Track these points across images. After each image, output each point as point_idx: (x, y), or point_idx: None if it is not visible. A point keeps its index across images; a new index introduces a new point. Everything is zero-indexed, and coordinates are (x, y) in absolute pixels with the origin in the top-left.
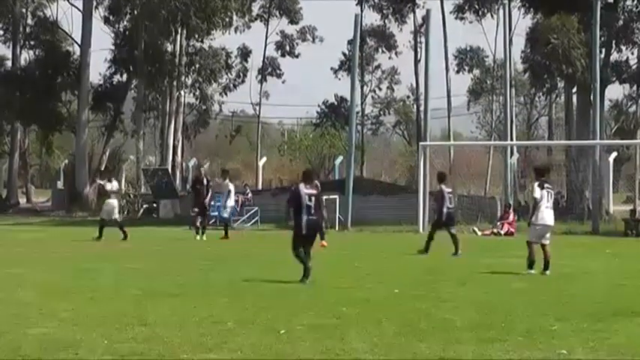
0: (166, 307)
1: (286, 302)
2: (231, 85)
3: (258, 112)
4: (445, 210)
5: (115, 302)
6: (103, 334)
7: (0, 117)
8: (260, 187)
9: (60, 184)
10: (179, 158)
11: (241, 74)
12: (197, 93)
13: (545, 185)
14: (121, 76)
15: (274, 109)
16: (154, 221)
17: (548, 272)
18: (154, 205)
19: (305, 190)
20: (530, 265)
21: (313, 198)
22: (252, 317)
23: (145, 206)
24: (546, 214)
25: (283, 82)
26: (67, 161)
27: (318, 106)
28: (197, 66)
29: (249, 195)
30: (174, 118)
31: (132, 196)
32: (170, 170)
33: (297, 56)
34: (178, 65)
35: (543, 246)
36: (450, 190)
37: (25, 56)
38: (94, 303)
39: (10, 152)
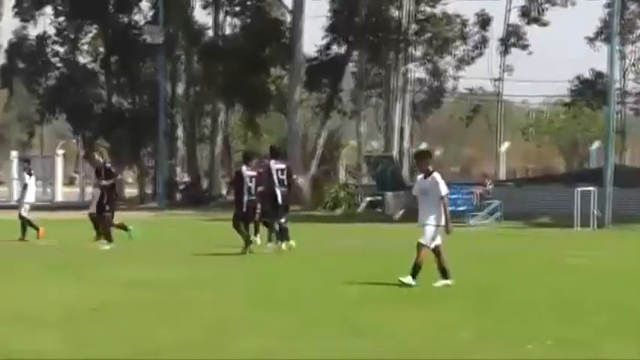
0: (382, 314)
1: (533, 311)
2: (468, 58)
3: (499, 90)
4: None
5: (328, 308)
6: (310, 346)
7: (200, 95)
8: (503, 176)
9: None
10: (407, 143)
11: (480, 45)
12: (428, 67)
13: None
14: (339, 47)
15: (518, 86)
16: (378, 217)
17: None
18: (378, 198)
19: (248, 172)
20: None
21: (254, 179)
22: (494, 328)
23: (367, 199)
24: None
25: (529, 54)
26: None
27: (570, 82)
28: (428, 35)
29: (490, 186)
30: (400, 96)
31: (353, 187)
32: (397, 157)
33: (545, 24)
34: (406, 34)
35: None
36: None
37: (229, 24)
38: (297, 309)
39: (212, 136)
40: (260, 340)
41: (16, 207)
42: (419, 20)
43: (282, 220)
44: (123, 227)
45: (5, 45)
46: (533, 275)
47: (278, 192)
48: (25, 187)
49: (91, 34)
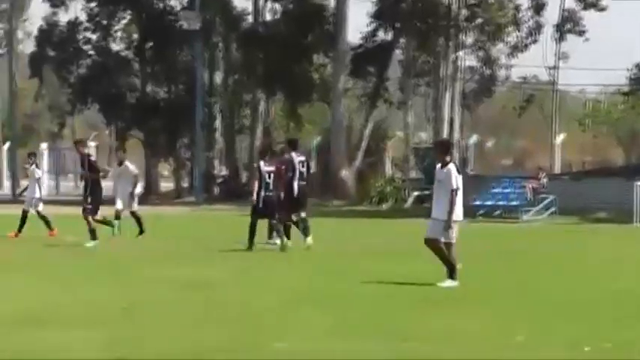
0: (425, 315)
1: (590, 312)
2: (521, 45)
3: (554, 78)
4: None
5: (366, 309)
6: (345, 347)
7: (239, 84)
8: (558, 170)
9: (312, 166)
10: (457, 134)
11: (534, 32)
12: (479, 54)
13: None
14: (385, 34)
15: (575, 74)
16: (426, 213)
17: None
18: (426, 192)
19: (265, 167)
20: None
21: (272, 175)
22: (549, 328)
23: (414, 194)
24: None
25: (586, 41)
26: (319, 138)
27: (628, 70)
28: (479, 21)
29: (544, 180)
30: (450, 85)
31: (400, 181)
32: None
33: (602, 9)
34: (456, 20)
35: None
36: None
37: (270, 10)
38: (332, 310)
39: (252, 127)
40: (294, 341)
41: (40, 202)
42: (469, 5)
43: (294, 218)
44: (107, 223)
45: (35, 32)
46: (588, 273)
47: (296, 185)
48: (38, 180)
49: (124, 20)
